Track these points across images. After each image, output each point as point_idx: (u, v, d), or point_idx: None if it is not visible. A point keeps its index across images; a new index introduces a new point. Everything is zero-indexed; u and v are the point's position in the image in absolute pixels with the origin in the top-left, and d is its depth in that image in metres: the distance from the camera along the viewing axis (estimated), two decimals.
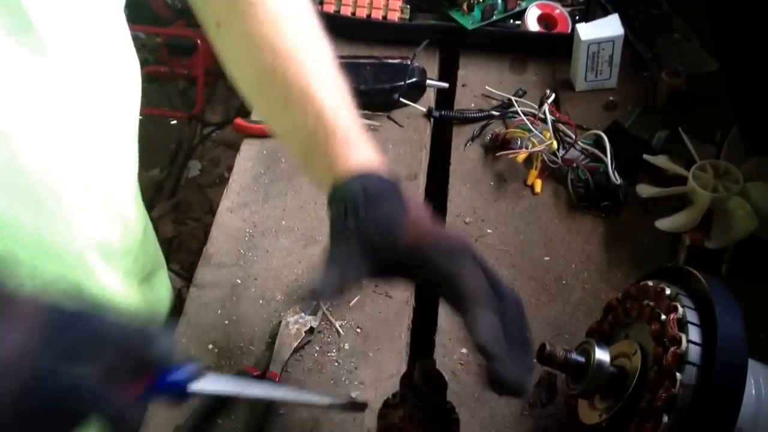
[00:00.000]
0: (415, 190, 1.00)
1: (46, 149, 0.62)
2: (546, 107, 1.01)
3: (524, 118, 1.01)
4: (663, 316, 0.66)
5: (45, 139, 0.61)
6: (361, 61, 1.12)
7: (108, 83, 0.68)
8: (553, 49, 1.15)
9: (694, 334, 0.64)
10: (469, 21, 1.15)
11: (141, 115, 0.79)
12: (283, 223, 0.97)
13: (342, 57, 1.14)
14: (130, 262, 0.81)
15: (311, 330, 0.85)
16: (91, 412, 0.45)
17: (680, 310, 0.65)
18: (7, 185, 0.60)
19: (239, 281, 0.91)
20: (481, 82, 1.13)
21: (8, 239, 0.61)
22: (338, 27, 1.17)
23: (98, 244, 0.72)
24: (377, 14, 1.17)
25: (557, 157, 0.99)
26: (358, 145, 0.66)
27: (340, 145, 0.66)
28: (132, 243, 0.79)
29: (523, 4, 1.16)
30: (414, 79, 1.09)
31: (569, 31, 1.14)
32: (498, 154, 1.01)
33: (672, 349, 0.63)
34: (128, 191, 0.77)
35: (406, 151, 1.05)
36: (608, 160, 0.95)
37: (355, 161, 0.64)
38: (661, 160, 0.96)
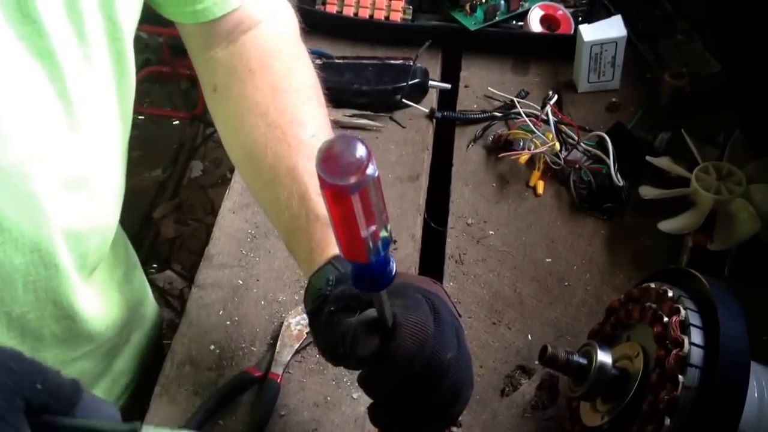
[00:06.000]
0: (418, 192, 1.00)
1: (34, 145, 0.60)
2: (548, 108, 1.01)
3: (527, 119, 1.01)
4: (665, 318, 0.65)
5: (35, 135, 0.60)
6: (364, 61, 1.12)
7: (104, 89, 0.67)
8: (555, 50, 1.14)
9: (696, 336, 0.63)
10: (472, 22, 1.15)
11: (143, 115, 0.78)
12: None
13: (344, 58, 1.14)
14: (105, 265, 0.80)
15: None
16: None
17: (682, 312, 0.65)
18: None
19: (241, 282, 0.91)
20: (483, 83, 1.13)
21: None
22: (340, 27, 1.18)
23: (73, 245, 0.68)
24: (380, 15, 1.17)
25: (560, 159, 0.98)
26: None
27: (322, 231, 0.66)
28: (105, 245, 0.76)
29: (526, 5, 1.16)
30: (416, 80, 1.09)
31: (572, 32, 1.14)
32: (500, 155, 1.01)
33: (674, 351, 0.63)
34: (111, 195, 0.73)
35: (409, 152, 1.05)
36: (611, 161, 0.95)
37: (331, 248, 0.65)
38: (663, 162, 0.95)
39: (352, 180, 0.44)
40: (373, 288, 0.52)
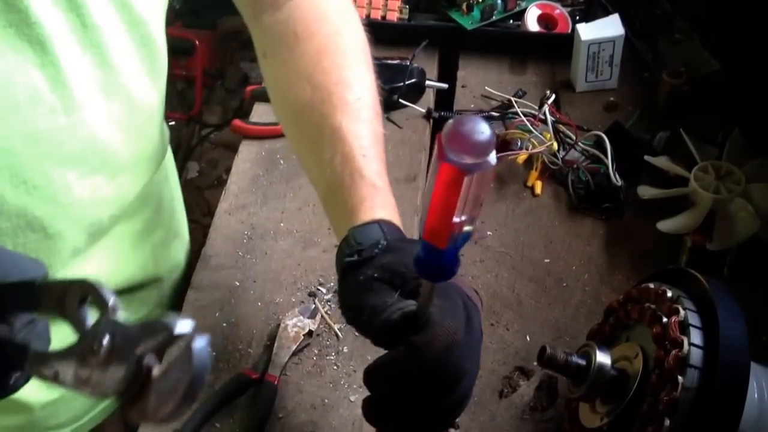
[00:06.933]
0: (415, 192, 1.00)
1: (18, 124, 0.62)
2: (546, 108, 1.01)
3: (524, 119, 1.00)
4: (664, 319, 0.65)
5: (19, 116, 0.62)
6: None
7: (129, 74, 0.70)
8: (553, 49, 1.14)
9: (695, 336, 0.63)
10: (469, 21, 1.15)
11: None
12: (282, 225, 0.96)
13: None
14: (141, 228, 0.85)
15: (310, 333, 0.84)
16: None
17: (682, 312, 0.64)
18: None
19: (237, 283, 0.90)
20: (480, 83, 1.13)
21: None
22: None
23: (88, 224, 0.73)
24: (376, 14, 1.17)
25: (557, 159, 0.98)
26: (382, 194, 0.66)
27: (366, 190, 0.66)
28: (119, 214, 0.79)
29: (523, 5, 1.16)
30: (413, 80, 1.08)
31: (569, 31, 1.13)
32: (498, 155, 1.01)
33: (673, 351, 0.62)
34: (124, 166, 0.76)
35: (406, 153, 1.04)
36: (609, 161, 0.95)
37: (377, 210, 0.65)
38: (662, 161, 0.95)
39: (475, 161, 0.43)
40: (433, 276, 0.52)
